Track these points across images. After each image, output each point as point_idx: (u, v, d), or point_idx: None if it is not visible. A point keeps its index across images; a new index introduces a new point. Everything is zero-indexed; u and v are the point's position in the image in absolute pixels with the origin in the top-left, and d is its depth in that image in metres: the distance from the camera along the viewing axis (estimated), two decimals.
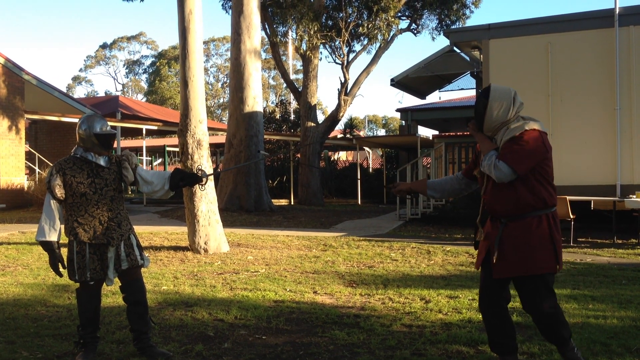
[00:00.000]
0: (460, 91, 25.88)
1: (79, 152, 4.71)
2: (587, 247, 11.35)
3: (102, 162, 4.70)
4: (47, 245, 4.63)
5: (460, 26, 23.36)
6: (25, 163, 21.07)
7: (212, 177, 11.24)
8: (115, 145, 23.43)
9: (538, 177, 3.96)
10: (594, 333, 5.29)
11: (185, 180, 4.79)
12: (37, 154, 22.22)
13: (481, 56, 15.32)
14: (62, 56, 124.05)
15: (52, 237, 4.62)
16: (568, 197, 11.76)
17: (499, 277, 4.02)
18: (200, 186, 4.90)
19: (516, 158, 3.89)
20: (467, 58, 18.85)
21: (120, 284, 4.80)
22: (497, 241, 4.00)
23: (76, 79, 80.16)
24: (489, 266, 4.09)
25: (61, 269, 4.71)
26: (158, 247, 11.13)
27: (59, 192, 4.61)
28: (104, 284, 4.79)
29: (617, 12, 13.18)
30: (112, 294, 6.81)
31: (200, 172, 4.93)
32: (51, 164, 20.68)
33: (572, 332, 5.27)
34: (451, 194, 4.57)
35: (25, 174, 21.11)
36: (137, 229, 13.44)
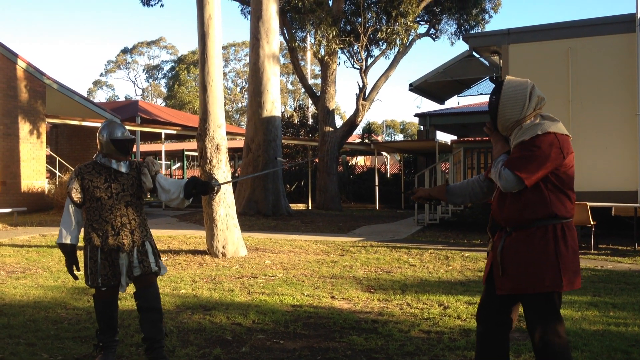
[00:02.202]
0: (479, 96, 25.76)
1: (99, 158, 4.76)
2: (607, 254, 11.23)
3: (122, 168, 4.73)
4: (63, 248, 4.72)
5: (480, 31, 23.32)
6: (46, 167, 21.29)
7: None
8: (134, 149, 23.64)
9: (550, 187, 3.48)
10: (615, 341, 5.23)
11: (197, 188, 4.72)
12: (57, 158, 22.44)
13: (500, 61, 15.25)
14: (83, 60, 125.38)
15: (68, 240, 4.68)
16: (588, 203, 11.66)
17: (502, 293, 3.58)
18: (212, 195, 4.85)
19: (523, 166, 3.43)
20: (487, 63, 18.78)
21: (134, 291, 4.79)
22: (499, 253, 3.57)
23: (97, 84, 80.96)
24: (492, 281, 3.68)
25: (77, 273, 4.76)
26: (176, 250, 11.18)
27: (76, 196, 4.66)
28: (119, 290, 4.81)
29: (638, 17, 13.06)
30: (131, 297, 6.83)
31: (213, 180, 4.90)
32: (71, 168, 20.87)
33: (593, 340, 5.25)
34: (473, 198, 4.03)
35: (46, 178, 21.33)
36: (156, 232, 13.54)
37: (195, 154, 19.77)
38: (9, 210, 17.42)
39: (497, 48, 15.13)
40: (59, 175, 21.39)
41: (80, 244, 4.72)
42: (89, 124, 21.39)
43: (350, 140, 27.46)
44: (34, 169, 20.18)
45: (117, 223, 4.64)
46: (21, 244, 12.14)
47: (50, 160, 22.61)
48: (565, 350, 3.48)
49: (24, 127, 19.75)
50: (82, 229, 4.77)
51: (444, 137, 28.76)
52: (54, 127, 24.21)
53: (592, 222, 11.51)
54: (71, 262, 4.71)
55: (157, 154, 35.18)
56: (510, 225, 3.58)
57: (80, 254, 4.71)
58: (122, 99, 74.06)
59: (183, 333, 5.58)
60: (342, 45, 22.00)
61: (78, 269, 4.75)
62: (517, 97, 3.56)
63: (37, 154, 20.29)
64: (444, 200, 4.07)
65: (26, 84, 19.84)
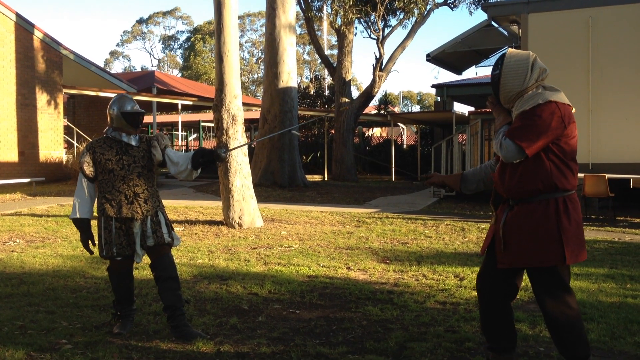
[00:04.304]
0: None
1: (109, 132, 4.79)
2: (625, 226, 11.15)
3: (132, 141, 4.76)
4: (77, 223, 4.77)
5: (499, 0, 22.93)
6: (64, 137, 21.41)
7: (246, 153, 11.28)
8: (151, 119, 23.70)
9: (552, 157, 3.45)
10: (632, 312, 5.21)
11: (204, 157, 4.71)
12: (75, 128, 22.57)
13: (520, 31, 15.04)
14: (99, 31, 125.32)
15: (82, 214, 4.73)
16: (607, 175, 11.55)
17: (502, 267, 3.58)
18: (219, 162, 4.83)
19: (524, 135, 3.39)
20: (506, 33, 18.52)
21: (150, 262, 4.83)
22: (502, 226, 3.56)
23: (113, 54, 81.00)
24: (493, 253, 3.67)
25: (92, 247, 4.81)
26: (193, 221, 11.25)
27: (88, 169, 4.70)
28: (134, 261, 4.84)
29: None
30: (148, 266, 6.89)
31: (220, 149, 4.86)
32: (89, 138, 21.01)
33: (609, 311, 5.23)
34: (487, 183, 4.00)
35: (64, 148, 21.48)
36: (173, 203, 13.63)
37: (212, 124, 19.74)
38: (27, 180, 17.59)
39: (517, 17, 14.91)
40: (77, 146, 21.53)
41: (95, 215, 4.76)
42: (105, 94, 21.45)
43: (366, 111, 27.31)
44: (52, 139, 20.32)
45: (130, 193, 4.67)
46: (40, 213, 12.27)
47: (67, 130, 22.76)
48: (578, 321, 3.50)
49: (41, 98, 19.84)
50: (95, 202, 4.80)
51: (461, 108, 28.47)
52: (71, 98, 24.31)
53: (610, 194, 11.41)
54: (86, 237, 4.78)
55: (173, 125, 35.28)
56: (511, 196, 3.58)
57: (94, 226, 4.75)
58: (138, 69, 74.15)
59: (200, 302, 5.63)
60: (359, 15, 21.77)
61: (94, 244, 4.81)
62: (518, 68, 3.55)
63: (55, 124, 20.41)
64: (458, 190, 4.09)
65: (43, 55, 19.88)
